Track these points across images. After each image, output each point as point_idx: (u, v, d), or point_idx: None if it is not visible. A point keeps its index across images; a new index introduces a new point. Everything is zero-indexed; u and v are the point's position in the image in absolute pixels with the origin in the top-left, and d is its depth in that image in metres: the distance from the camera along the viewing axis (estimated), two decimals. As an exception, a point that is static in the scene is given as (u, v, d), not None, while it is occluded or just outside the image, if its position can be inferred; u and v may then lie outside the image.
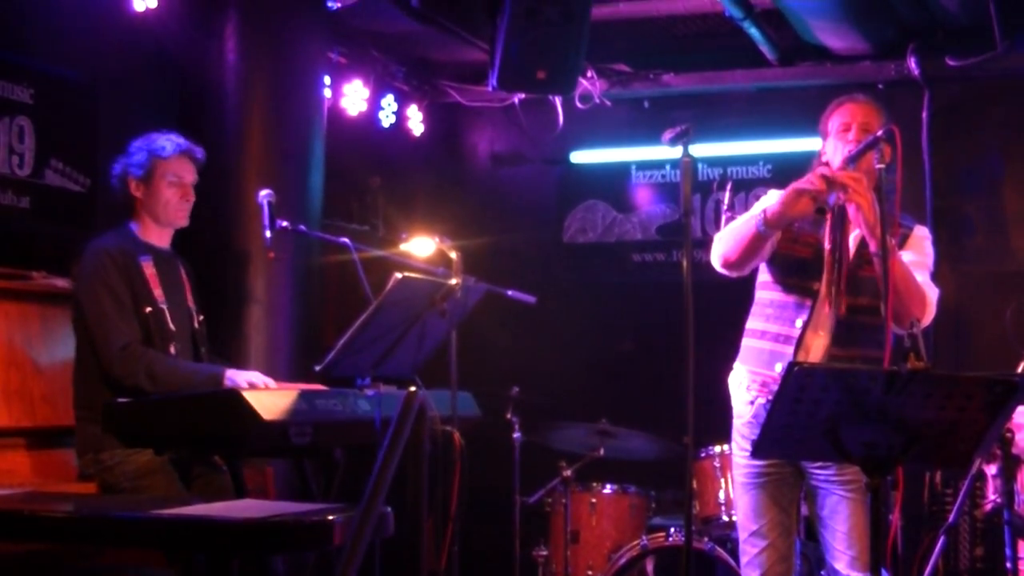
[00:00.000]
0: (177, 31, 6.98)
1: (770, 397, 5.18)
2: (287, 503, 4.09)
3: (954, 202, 8.44)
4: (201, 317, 5.96)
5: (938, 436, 4.29)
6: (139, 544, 3.91)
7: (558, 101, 8.82)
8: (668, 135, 5.09)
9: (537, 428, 7.58)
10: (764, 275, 5.44)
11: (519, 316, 7.50)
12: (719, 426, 5.71)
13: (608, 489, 7.43)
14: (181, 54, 7.06)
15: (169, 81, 7.11)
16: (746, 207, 8.60)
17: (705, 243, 9.00)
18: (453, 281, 5.36)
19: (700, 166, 9.06)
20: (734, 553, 6.63)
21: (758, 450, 4.78)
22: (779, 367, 5.22)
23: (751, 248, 5.26)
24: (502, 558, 7.61)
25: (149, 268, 5.69)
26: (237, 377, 5.44)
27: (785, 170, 8.60)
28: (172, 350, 5.66)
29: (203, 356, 5.88)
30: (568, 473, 7.27)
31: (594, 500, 7.38)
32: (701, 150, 8.78)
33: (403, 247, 6.12)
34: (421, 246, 6.10)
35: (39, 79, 6.43)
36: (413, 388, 3.66)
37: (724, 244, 5.36)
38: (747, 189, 8.72)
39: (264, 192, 5.90)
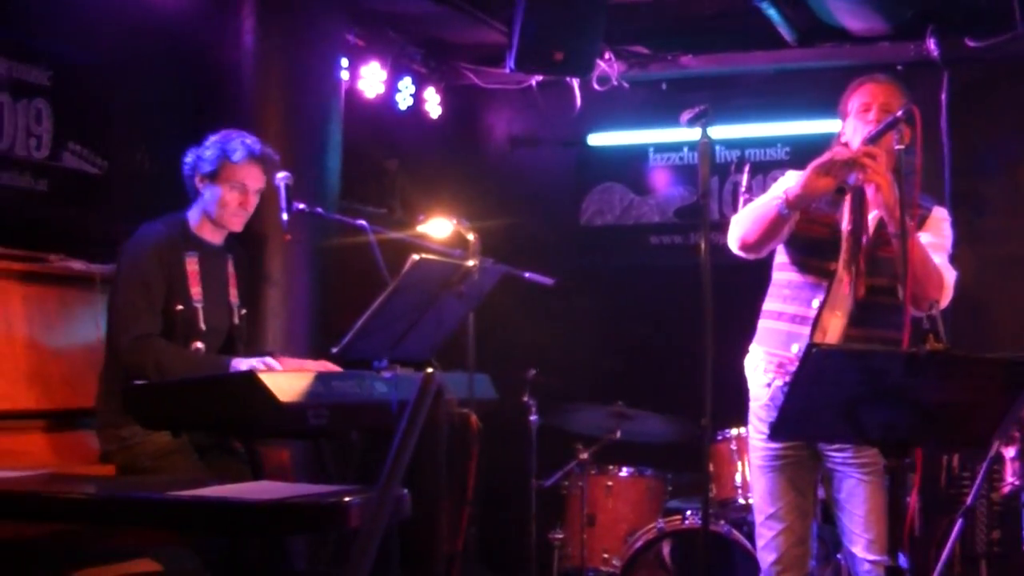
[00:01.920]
0: (194, 13, 6.96)
1: (787, 379, 5.17)
2: (304, 485, 4.08)
3: (973, 183, 8.40)
4: (244, 311, 5.97)
5: (957, 418, 4.28)
6: (154, 525, 3.88)
7: (575, 83, 8.78)
8: (686, 116, 5.08)
9: (554, 411, 7.58)
10: (781, 256, 5.42)
11: (536, 299, 7.49)
12: (736, 408, 5.69)
13: (624, 472, 7.44)
14: (198, 36, 7.03)
15: (186, 64, 7.09)
16: (764, 189, 8.61)
17: (723, 225, 8.89)
18: (470, 263, 5.35)
19: (718, 148, 9.04)
20: (751, 536, 6.61)
21: (776, 432, 4.77)
22: (796, 348, 5.20)
23: (770, 230, 5.23)
24: (518, 541, 7.56)
25: (192, 264, 5.69)
26: (241, 365, 5.42)
27: (803, 152, 8.55)
28: (197, 346, 5.66)
29: (239, 353, 5.84)
30: (585, 456, 7.29)
31: (610, 483, 7.39)
32: (719, 132, 8.75)
33: (420, 229, 6.11)
34: (438, 227, 6.09)
35: (56, 62, 6.40)
36: (430, 370, 3.64)
37: (742, 226, 5.34)
38: (765, 171, 8.69)
39: (281, 175, 5.87)
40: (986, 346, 7.95)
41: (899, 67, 8.17)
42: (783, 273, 5.40)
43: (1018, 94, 8.42)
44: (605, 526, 7.33)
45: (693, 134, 8.56)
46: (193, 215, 5.80)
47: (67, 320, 5.90)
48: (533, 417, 7.52)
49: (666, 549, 6.83)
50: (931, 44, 8.16)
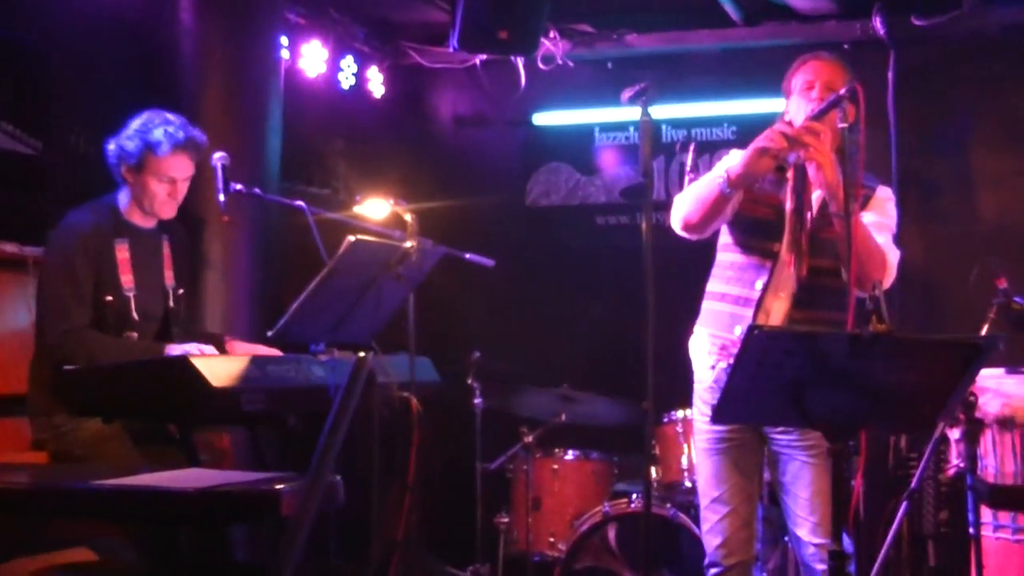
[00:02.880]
0: (131, -8, 6.83)
1: (731, 361, 5.08)
2: (237, 473, 4.00)
3: (922, 163, 8.36)
4: (180, 291, 5.86)
5: (902, 400, 4.25)
6: (82, 514, 3.82)
7: (520, 62, 8.71)
8: (627, 94, 5.02)
9: (498, 393, 7.52)
10: (725, 237, 5.38)
11: (481, 281, 7.41)
12: (682, 391, 5.66)
13: (570, 455, 7.40)
14: (136, 14, 6.90)
15: (124, 42, 6.95)
16: (710, 169, 8.58)
17: (668, 206, 8.91)
18: (408, 244, 5.28)
19: (664, 128, 8.98)
20: (697, 519, 6.58)
21: (718, 415, 4.74)
22: (739, 330, 5.16)
23: (713, 209, 5.19)
24: (463, 525, 7.55)
25: (123, 252, 5.58)
26: (174, 351, 5.33)
27: (750, 132, 8.35)
28: (129, 337, 5.56)
29: (174, 337, 5.75)
30: (529, 439, 7.23)
31: (556, 466, 7.35)
32: (665, 111, 8.78)
33: (357, 209, 6.02)
34: (375, 208, 6.00)
35: (-12, 39, 6.28)
36: (362, 354, 3.57)
37: (685, 206, 5.29)
38: (711, 151, 8.59)
39: (218, 155, 5.75)
40: (936, 326, 7.97)
41: (845, 46, 8.14)
42: (727, 254, 5.36)
43: (965, 73, 8.39)
44: (551, 510, 7.29)
45: (639, 114, 8.60)
46: (123, 199, 5.70)
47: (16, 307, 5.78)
48: (477, 400, 7.45)
49: (612, 533, 6.78)
50: (877, 23, 8.12)
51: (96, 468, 4.77)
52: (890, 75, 8.27)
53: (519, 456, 7.34)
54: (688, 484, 6.74)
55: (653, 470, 6.94)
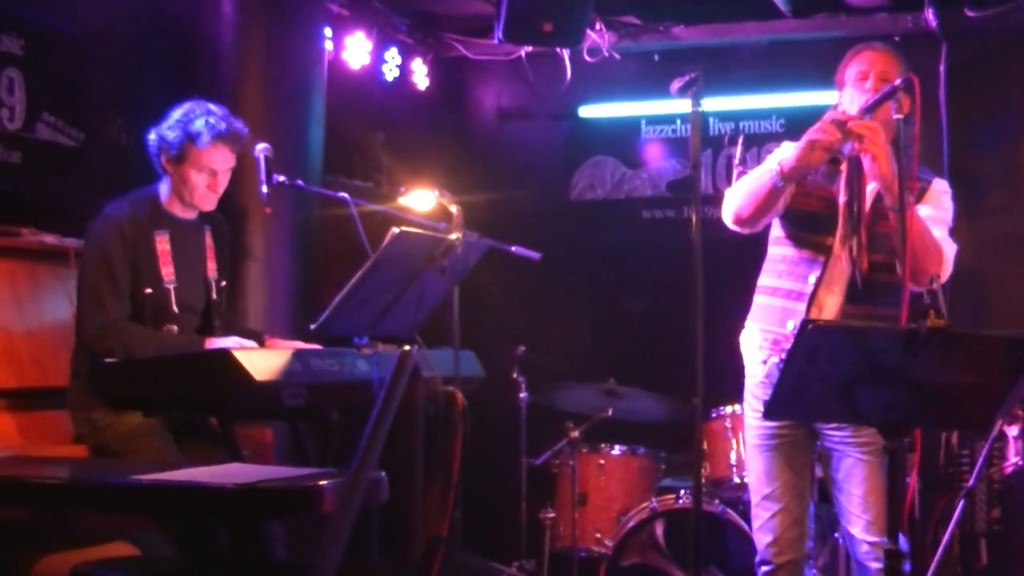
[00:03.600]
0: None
1: (783, 356, 5.03)
2: (278, 468, 3.92)
3: (971, 158, 8.21)
4: (223, 283, 5.78)
5: (958, 398, 4.12)
6: (122, 510, 3.75)
7: (565, 54, 8.58)
8: (676, 85, 4.91)
9: (544, 388, 7.42)
10: (777, 231, 5.27)
11: (525, 275, 7.34)
12: (731, 386, 5.57)
13: (616, 451, 7.29)
14: (176, 4, 6.88)
15: (164, 33, 6.92)
16: (758, 162, 8.48)
17: (716, 199, 8.83)
18: (453, 236, 5.18)
19: (711, 120, 8.86)
20: (745, 516, 6.50)
21: (770, 411, 4.66)
22: (791, 325, 5.06)
23: (765, 203, 5.09)
24: (508, 520, 7.45)
25: (163, 244, 5.49)
26: (214, 344, 5.25)
27: (798, 124, 8.27)
28: (169, 329, 5.46)
29: (216, 330, 5.67)
30: (575, 434, 7.13)
31: (602, 461, 7.24)
32: (712, 104, 8.66)
33: (402, 201, 5.92)
34: (421, 200, 5.90)
35: (30, 30, 6.22)
36: (407, 347, 3.48)
37: (737, 199, 5.19)
38: (759, 144, 8.55)
39: (260, 146, 5.70)
40: (984, 323, 7.83)
41: (896, 38, 7.98)
42: (779, 248, 5.26)
43: (1018, 67, 8.25)
44: (597, 505, 7.17)
45: (686, 106, 8.45)
46: (163, 190, 5.61)
47: (38, 296, 5.72)
48: (522, 395, 7.37)
49: (659, 529, 6.67)
50: (929, 15, 7.96)
51: (135, 463, 4.71)
52: (941, 68, 8.12)
53: (564, 451, 7.23)
54: (736, 480, 6.63)
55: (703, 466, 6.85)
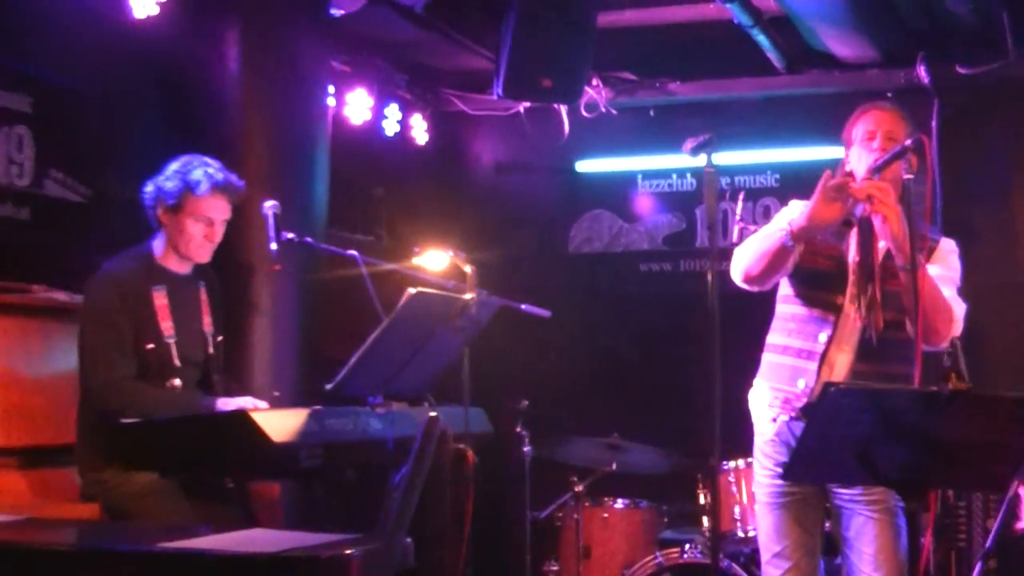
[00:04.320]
0: (178, 39, 6.68)
1: (792, 414, 4.98)
2: (299, 534, 3.77)
3: (963, 210, 8.15)
4: (219, 338, 5.67)
5: (976, 457, 4.03)
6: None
7: (563, 109, 8.54)
8: (690, 144, 4.79)
9: (547, 442, 7.31)
10: (785, 289, 5.16)
11: (526, 328, 7.22)
12: (733, 440, 5.43)
13: (620, 504, 7.18)
14: (182, 62, 6.76)
15: (170, 90, 6.83)
16: (753, 217, 8.47)
17: (712, 253, 8.81)
18: (468, 296, 5.08)
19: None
20: (747, 568, 6.41)
21: (789, 474, 4.62)
22: (802, 383, 4.97)
23: (774, 262, 4.97)
24: (512, 572, 7.33)
25: (161, 299, 5.39)
26: (227, 406, 5.14)
27: (793, 179, 8.41)
28: (173, 383, 5.37)
29: (215, 384, 5.58)
30: (579, 488, 7.02)
31: (606, 515, 7.13)
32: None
33: (416, 261, 5.81)
34: (434, 260, 5.80)
35: (38, 88, 6.19)
36: (433, 414, 3.38)
37: (746, 258, 5.07)
38: (755, 198, 8.53)
39: (269, 203, 5.60)
40: (977, 376, 7.72)
41: (888, 94, 7.92)
42: (788, 306, 5.15)
43: (1008, 121, 8.20)
44: (601, 558, 7.05)
45: (681, 161, 8.45)
46: (157, 246, 5.51)
47: (49, 353, 5.62)
48: (526, 448, 7.24)
49: (665, 584, 6.56)
50: (921, 71, 7.93)
51: (155, 528, 4.58)
52: (933, 124, 8.06)
53: (569, 505, 7.12)
54: (740, 534, 6.52)
55: (705, 520, 6.76)
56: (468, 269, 5.20)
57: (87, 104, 6.47)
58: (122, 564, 3.59)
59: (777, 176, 8.64)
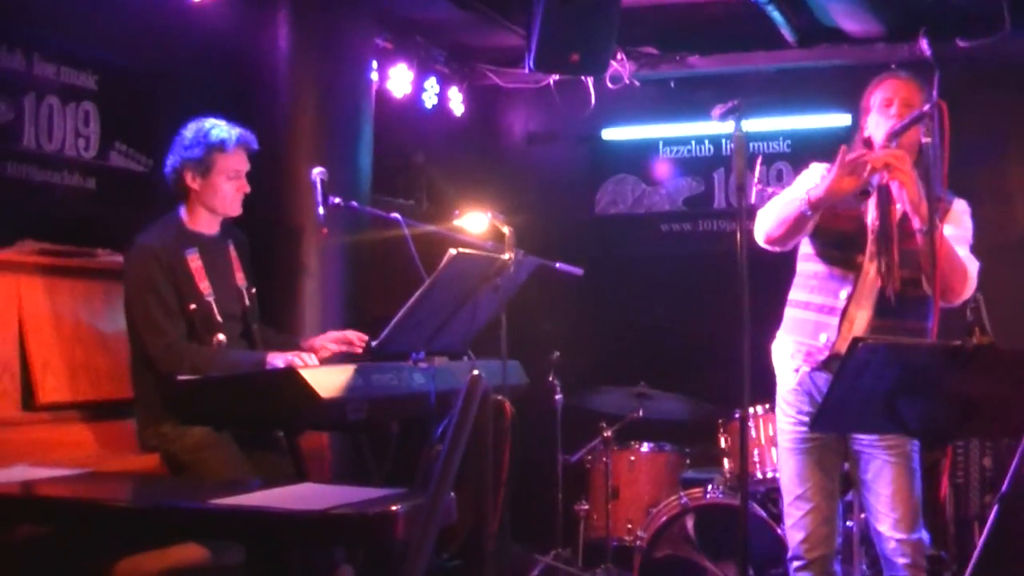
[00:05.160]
0: (232, 20, 6.46)
1: (814, 366, 4.74)
2: (347, 489, 3.49)
3: (963, 177, 7.74)
4: (253, 290, 5.39)
5: (995, 409, 3.78)
6: (196, 535, 3.35)
7: (590, 82, 8.22)
8: (719, 111, 4.51)
9: (578, 391, 7.07)
10: (807, 248, 4.89)
11: (557, 285, 6.94)
12: (752, 388, 5.15)
13: (646, 448, 6.92)
14: (236, 42, 6.53)
15: (224, 67, 6.58)
16: (767, 180, 8.19)
17: (730, 214, 8.60)
18: (506, 256, 4.77)
19: (723, 141, 8.57)
20: (763, 505, 6.19)
21: (816, 424, 4.39)
22: (824, 338, 4.71)
23: (794, 228, 4.72)
24: (545, 512, 7.08)
25: (195, 261, 5.11)
26: (276, 360, 4.86)
27: (803, 145, 8.14)
28: (218, 339, 5.09)
29: (254, 333, 5.32)
30: (608, 434, 6.77)
31: (632, 458, 6.88)
32: (725, 127, 8.26)
33: (456, 223, 5.50)
34: (474, 222, 5.48)
35: (102, 67, 5.94)
36: (476, 372, 3.07)
37: (768, 222, 4.81)
38: (768, 163, 8.30)
39: (317, 170, 5.35)
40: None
41: (892, 66, 7.56)
42: (809, 264, 4.88)
43: (1005, 91, 7.87)
44: (628, 498, 6.81)
45: (700, 128, 8.17)
46: (186, 212, 5.23)
47: (113, 313, 5.33)
48: (558, 396, 7.04)
49: (690, 523, 6.26)
50: (923, 44, 7.56)
51: (208, 484, 4.31)
52: (934, 94, 7.69)
53: (598, 449, 6.87)
54: (759, 475, 6.22)
55: (726, 461, 6.49)
56: (506, 230, 4.88)
57: (148, 81, 6.22)
58: (177, 520, 3.32)
59: (789, 142, 8.33)
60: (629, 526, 6.74)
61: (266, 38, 6.46)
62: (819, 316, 4.75)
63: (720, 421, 6.57)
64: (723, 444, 6.53)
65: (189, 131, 5.19)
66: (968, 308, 3.70)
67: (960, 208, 4.84)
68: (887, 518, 4.73)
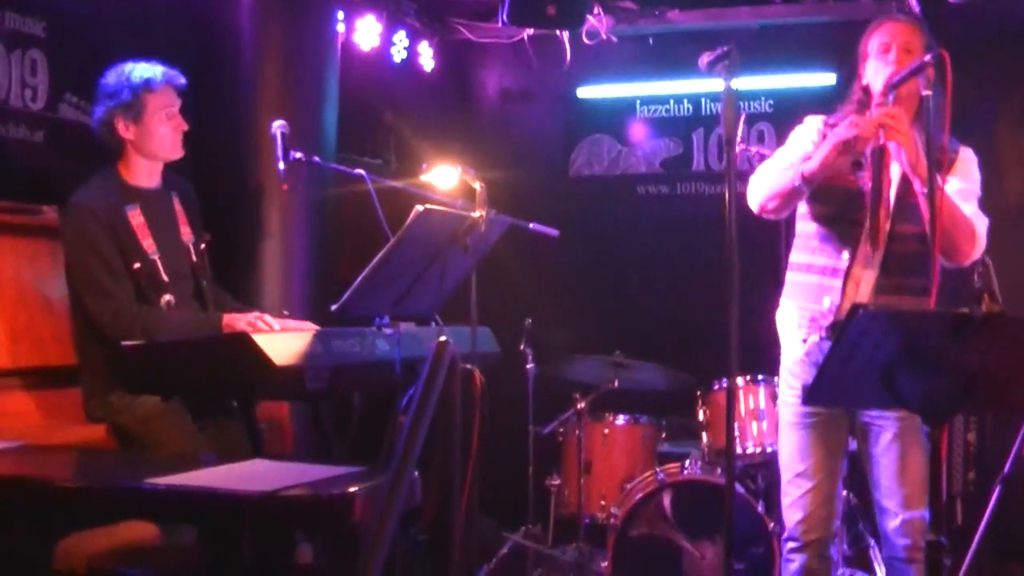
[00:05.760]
0: (191, -36, 6.15)
1: (822, 334, 4.48)
2: (301, 467, 3.21)
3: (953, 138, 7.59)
4: (203, 246, 5.10)
5: (998, 382, 3.52)
6: (137, 515, 3.08)
7: (565, 37, 7.92)
8: (705, 59, 4.27)
9: (552, 360, 6.79)
10: (806, 208, 4.64)
11: (528, 248, 6.69)
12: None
13: (621, 420, 6.62)
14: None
15: (183, 15, 6.25)
16: (748, 140, 7.91)
17: (709, 176, 8.36)
18: (477, 214, 4.47)
19: (703, 100, 8.28)
20: (742, 481, 5.99)
21: (811, 397, 4.18)
22: (827, 301, 4.47)
23: (788, 199, 4.53)
24: (516, 486, 6.82)
25: (137, 217, 4.81)
26: (236, 322, 4.60)
27: (786, 105, 7.87)
28: (166, 300, 4.80)
29: (205, 290, 5.03)
30: (582, 405, 6.46)
31: (607, 431, 6.57)
32: (704, 85, 8.18)
33: (424, 178, 5.18)
34: (443, 176, 5.16)
35: (52, 12, 5.60)
36: (443, 338, 2.80)
37: (761, 193, 4.59)
38: (750, 123, 7.99)
39: (277, 123, 5.04)
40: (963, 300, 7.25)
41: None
42: (809, 224, 4.63)
43: (995, 51, 7.62)
44: (601, 473, 6.51)
45: (678, 87, 7.90)
46: (123, 165, 4.94)
47: (59, 275, 5.01)
48: (529, 366, 6.74)
49: (666, 500, 5.99)
50: (913, 1, 7.30)
51: (156, 460, 4.03)
52: (933, 47, 7.45)
53: (571, 421, 6.57)
54: (739, 450, 5.99)
55: (703, 435, 6.25)
56: (477, 186, 4.57)
57: (101, 28, 5.87)
58: (122, 501, 3.04)
59: (771, 102, 8.04)
60: (603, 502, 6.45)
61: (227, -18, 6.17)
62: (822, 278, 4.52)
63: (698, 393, 6.33)
64: (701, 417, 6.29)
65: (110, 78, 4.91)
66: (976, 273, 3.43)
67: (967, 157, 4.61)
68: (895, 494, 4.51)
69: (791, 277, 4.66)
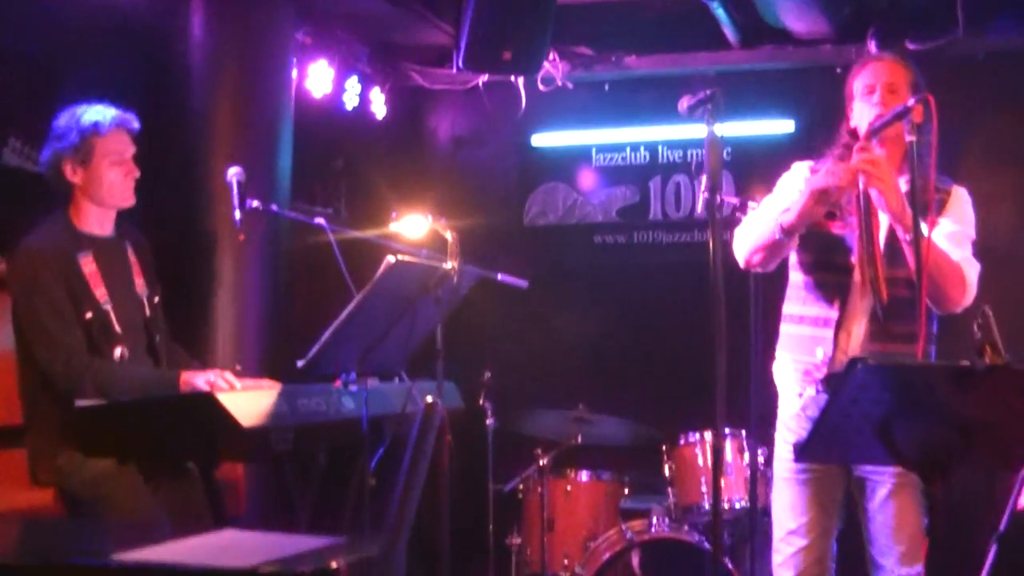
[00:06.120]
0: (143, 5, 5.99)
1: (817, 386, 4.38)
2: (275, 537, 2.97)
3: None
4: (156, 299, 4.86)
5: (997, 435, 3.38)
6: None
7: (521, 83, 7.80)
8: (685, 103, 4.11)
9: (512, 415, 6.57)
10: (796, 257, 4.53)
11: (486, 299, 6.49)
12: (698, 412, 4.86)
13: (584, 476, 6.43)
14: (147, 30, 6.07)
15: (134, 57, 6.09)
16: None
17: (666, 225, 8.21)
18: (449, 265, 4.30)
19: (660, 148, 8.12)
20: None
21: (803, 454, 4.03)
22: (820, 353, 4.35)
23: (772, 252, 4.44)
24: (476, 546, 6.56)
25: (89, 265, 4.57)
26: (194, 379, 4.37)
27: (745, 153, 7.71)
28: (119, 353, 4.56)
29: (158, 346, 4.78)
30: (544, 461, 6.27)
31: (569, 487, 6.39)
32: (661, 133, 8.07)
33: (393, 227, 5.01)
34: (413, 226, 4.99)
35: (-4, 53, 5.42)
36: (431, 399, 2.62)
37: (745, 247, 4.50)
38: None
39: (233, 170, 4.83)
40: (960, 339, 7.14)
41: (838, 70, 7.25)
42: (800, 274, 4.52)
43: (955, 94, 7.51)
44: (564, 531, 6.31)
45: (635, 135, 7.76)
46: (74, 211, 4.70)
47: (5, 326, 4.77)
48: (489, 421, 6.52)
49: (635, 560, 5.80)
50: (872, 46, 7.24)
51: (111, 530, 3.77)
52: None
53: (533, 477, 6.38)
54: (707, 506, 5.84)
55: (670, 491, 6.09)
56: (449, 235, 4.41)
57: (48, 70, 5.70)
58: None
59: (729, 150, 7.86)
60: (566, 561, 6.26)
61: (179, 25, 6.05)
62: (814, 329, 4.41)
63: (664, 447, 6.16)
64: (667, 472, 6.13)
65: (61, 120, 4.70)
66: (976, 324, 3.29)
67: (960, 197, 4.51)
68: (892, 551, 4.40)
69: (784, 329, 4.55)
